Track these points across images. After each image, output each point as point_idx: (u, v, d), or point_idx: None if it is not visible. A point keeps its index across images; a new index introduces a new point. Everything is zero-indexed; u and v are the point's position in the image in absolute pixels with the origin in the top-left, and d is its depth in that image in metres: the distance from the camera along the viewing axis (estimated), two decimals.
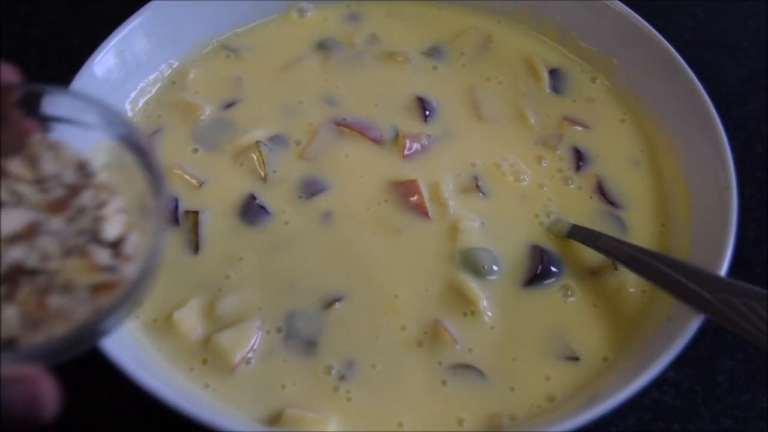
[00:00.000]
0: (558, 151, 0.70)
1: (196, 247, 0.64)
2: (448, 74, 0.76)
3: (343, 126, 0.71)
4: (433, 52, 0.78)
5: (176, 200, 0.66)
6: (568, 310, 0.61)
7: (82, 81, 0.66)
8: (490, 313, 0.60)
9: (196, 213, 0.65)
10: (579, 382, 0.57)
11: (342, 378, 0.57)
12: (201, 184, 0.68)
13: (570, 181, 0.69)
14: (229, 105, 0.73)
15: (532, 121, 0.72)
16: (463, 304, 0.61)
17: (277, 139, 0.70)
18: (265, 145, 0.69)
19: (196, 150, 0.70)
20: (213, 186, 0.68)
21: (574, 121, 0.72)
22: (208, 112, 0.72)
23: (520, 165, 0.69)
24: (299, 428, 0.54)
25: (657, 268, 0.57)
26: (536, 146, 0.71)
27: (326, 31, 0.79)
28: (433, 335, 0.59)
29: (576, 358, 0.59)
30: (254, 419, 0.55)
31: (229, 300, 0.60)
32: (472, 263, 0.63)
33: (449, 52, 0.78)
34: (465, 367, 0.58)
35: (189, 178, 0.68)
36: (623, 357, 0.58)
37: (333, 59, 0.77)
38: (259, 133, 0.70)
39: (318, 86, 0.75)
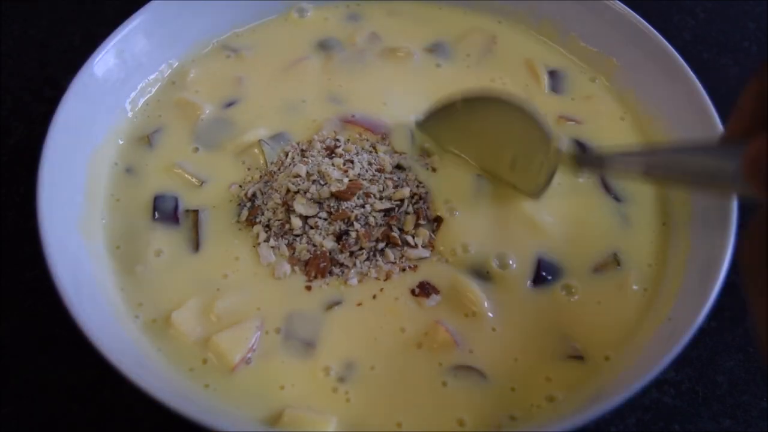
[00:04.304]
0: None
1: (196, 245, 0.64)
2: (452, 74, 0.76)
3: (351, 123, 0.71)
4: (435, 48, 0.78)
5: (176, 199, 0.66)
6: (572, 308, 0.61)
7: (82, 81, 0.66)
8: (491, 314, 0.60)
9: (196, 212, 0.65)
10: (580, 381, 0.57)
11: (341, 379, 0.57)
12: (201, 183, 0.68)
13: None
14: (230, 104, 0.73)
15: None
16: (465, 305, 0.61)
17: (279, 138, 0.70)
18: (267, 143, 0.69)
19: (196, 149, 0.70)
20: (214, 185, 0.68)
21: (569, 118, 0.72)
22: (208, 111, 0.72)
23: None
24: (299, 428, 0.54)
25: (674, 169, 0.55)
26: None
27: (327, 31, 0.79)
28: (433, 336, 0.59)
29: (580, 357, 0.59)
30: (254, 419, 0.55)
31: (228, 300, 0.60)
32: (476, 264, 0.63)
33: (455, 52, 0.78)
34: (466, 369, 0.58)
35: (189, 177, 0.68)
36: (624, 356, 0.58)
37: (335, 59, 0.77)
38: (261, 132, 0.70)
39: (321, 85, 0.75)
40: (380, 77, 0.75)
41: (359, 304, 0.61)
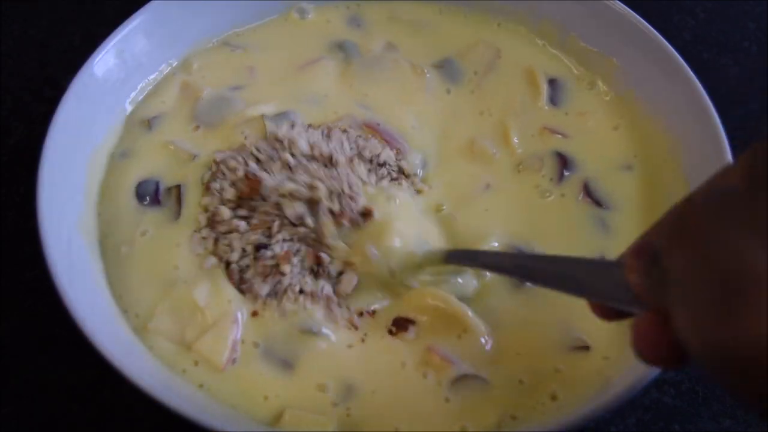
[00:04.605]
0: (542, 172, 0.69)
1: (178, 215, 0.64)
2: (460, 101, 0.74)
3: (371, 128, 0.69)
4: (444, 64, 0.76)
5: (156, 183, 0.66)
6: (566, 300, 0.61)
7: (82, 81, 0.66)
8: (482, 327, 0.59)
9: (178, 187, 0.65)
10: (580, 381, 0.57)
11: (342, 400, 0.56)
12: (194, 157, 0.67)
13: (548, 194, 0.68)
14: (237, 88, 0.73)
15: (520, 151, 0.71)
16: (452, 325, 0.59)
17: (284, 116, 0.69)
18: (270, 119, 0.68)
19: (197, 128, 0.70)
20: (206, 157, 0.67)
21: (554, 131, 0.72)
22: (208, 90, 0.72)
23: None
24: (300, 428, 0.54)
25: (548, 271, 0.52)
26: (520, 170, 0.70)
27: (335, 34, 0.79)
28: (429, 362, 0.58)
29: (586, 347, 0.58)
30: (254, 419, 0.55)
31: (198, 292, 0.60)
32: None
33: (462, 70, 0.76)
34: (465, 378, 0.57)
35: (182, 152, 0.67)
36: (624, 356, 0.58)
37: (354, 64, 0.75)
38: (267, 108, 0.69)
39: (343, 89, 0.74)
40: (404, 96, 0.73)
41: (350, 346, 0.59)
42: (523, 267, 0.55)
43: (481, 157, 0.70)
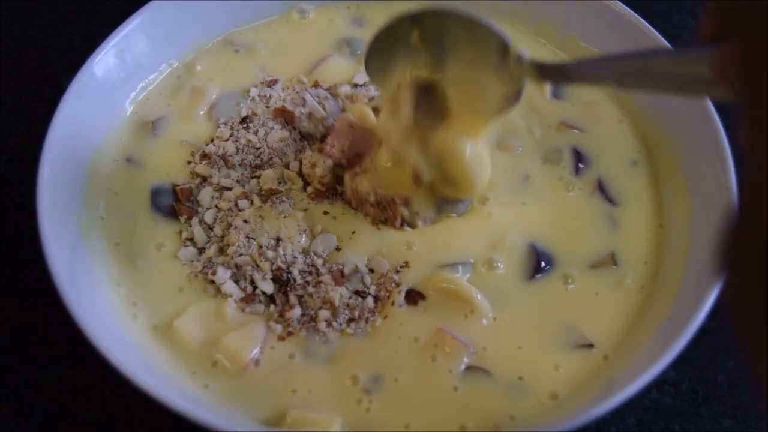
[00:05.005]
0: (562, 164, 0.70)
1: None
2: None
3: None
4: None
5: (174, 195, 0.66)
6: (570, 297, 0.62)
7: (82, 81, 0.66)
8: (488, 307, 0.60)
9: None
10: (580, 380, 0.57)
11: (367, 391, 0.56)
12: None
13: (571, 188, 0.68)
14: (256, 86, 0.73)
15: (541, 144, 0.71)
16: (459, 305, 0.60)
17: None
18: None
19: (218, 126, 0.71)
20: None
21: (571, 126, 0.72)
22: (228, 91, 0.73)
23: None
24: (303, 428, 0.54)
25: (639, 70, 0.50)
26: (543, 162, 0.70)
27: (339, 33, 0.79)
28: (442, 346, 0.58)
29: (590, 345, 0.59)
30: (256, 420, 0.55)
31: (228, 308, 0.60)
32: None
33: None
34: (475, 369, 0.57)
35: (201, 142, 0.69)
36: (623, 356, 0.58)
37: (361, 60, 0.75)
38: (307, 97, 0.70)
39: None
40: None
41: (368, 335, 0.60)
42: (620, 73, 0.51)
43: (509, 152, 0.70)
